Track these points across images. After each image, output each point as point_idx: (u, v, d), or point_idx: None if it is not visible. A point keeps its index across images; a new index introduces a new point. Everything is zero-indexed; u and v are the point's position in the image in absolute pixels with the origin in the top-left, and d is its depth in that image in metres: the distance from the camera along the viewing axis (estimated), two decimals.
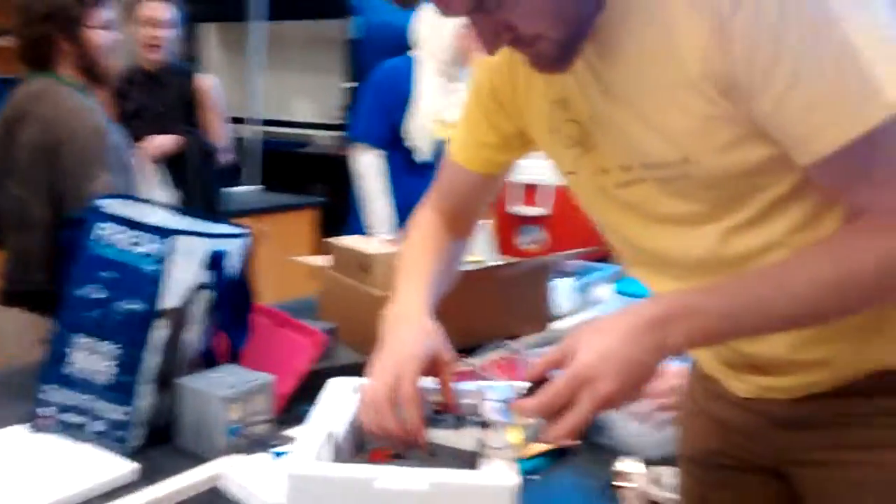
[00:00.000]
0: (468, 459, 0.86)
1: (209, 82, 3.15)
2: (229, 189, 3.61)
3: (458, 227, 1.17)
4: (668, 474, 1.18)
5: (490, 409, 0.88)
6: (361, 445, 0.91)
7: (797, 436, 0.96)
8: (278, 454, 1.12)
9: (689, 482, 1.12)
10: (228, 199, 3.45)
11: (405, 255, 1.13)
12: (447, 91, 2.56)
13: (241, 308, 1.37)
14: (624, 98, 0.87)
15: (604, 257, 2.30)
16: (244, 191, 4.24)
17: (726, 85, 0.78)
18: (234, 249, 1.33)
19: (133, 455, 1.19)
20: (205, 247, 1.27)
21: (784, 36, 0.73)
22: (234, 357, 1.37)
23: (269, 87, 4.78)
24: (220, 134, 3.15)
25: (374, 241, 1.88)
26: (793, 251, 0.84)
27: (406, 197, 2.43)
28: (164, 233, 1.22)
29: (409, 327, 0.97)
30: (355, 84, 4.13)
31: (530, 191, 2.47)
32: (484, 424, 0.88)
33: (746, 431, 1.02)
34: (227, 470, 1.15)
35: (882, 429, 0.90)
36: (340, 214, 3.03)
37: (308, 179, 4.55)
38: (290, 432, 1.24)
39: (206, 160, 3.04)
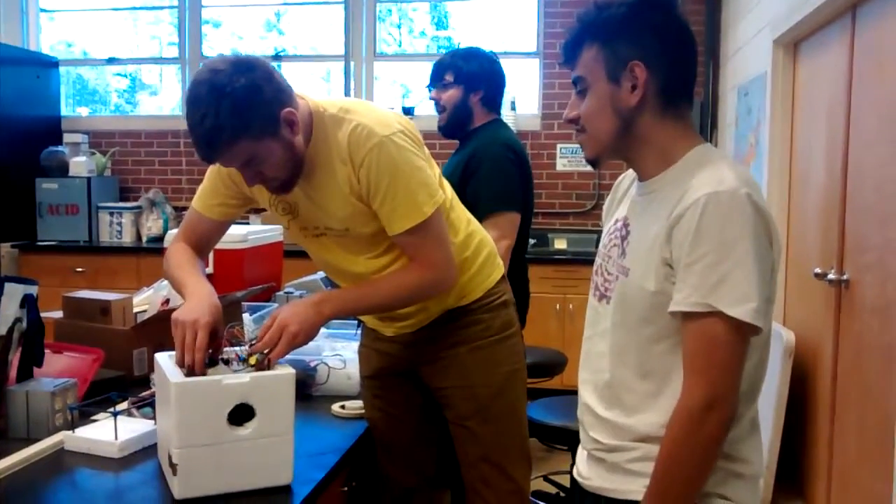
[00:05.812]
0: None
1: None
2: None
3: (199, 251, 1.87)
4: (350, 403, 2.00)
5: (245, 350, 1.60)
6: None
7: (419, 349, 1.87)
8: (116, 413, 1.67)
9: (368, 392, 1.97)
10: None
11: (177, 264, 1.78)
12: None
13: (39, 336, 1.87)
14: (314, 198, 1.71)
15: (268, 298, 3.07)
16: None
17: (360, 197, 1.66)
18: (34, 294, 1.84)
19: None
20: (21, 290, 1.77)
21: (379, 178, 1.61)
22: (30, 373, 1.85)
23: None
24: None
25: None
26: (390, 272, 1.75)
27: None
28: None
29: (200, 303, 1.61)
30: None
31: None
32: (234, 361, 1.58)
33: (393, 353, 1.91)
34: (67, 437, 1.67)
35: (455, 336, 1.85)
36: None
37: None
38: (99, 416, 1.79)
39: None
